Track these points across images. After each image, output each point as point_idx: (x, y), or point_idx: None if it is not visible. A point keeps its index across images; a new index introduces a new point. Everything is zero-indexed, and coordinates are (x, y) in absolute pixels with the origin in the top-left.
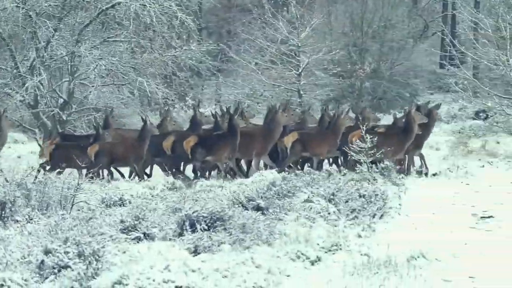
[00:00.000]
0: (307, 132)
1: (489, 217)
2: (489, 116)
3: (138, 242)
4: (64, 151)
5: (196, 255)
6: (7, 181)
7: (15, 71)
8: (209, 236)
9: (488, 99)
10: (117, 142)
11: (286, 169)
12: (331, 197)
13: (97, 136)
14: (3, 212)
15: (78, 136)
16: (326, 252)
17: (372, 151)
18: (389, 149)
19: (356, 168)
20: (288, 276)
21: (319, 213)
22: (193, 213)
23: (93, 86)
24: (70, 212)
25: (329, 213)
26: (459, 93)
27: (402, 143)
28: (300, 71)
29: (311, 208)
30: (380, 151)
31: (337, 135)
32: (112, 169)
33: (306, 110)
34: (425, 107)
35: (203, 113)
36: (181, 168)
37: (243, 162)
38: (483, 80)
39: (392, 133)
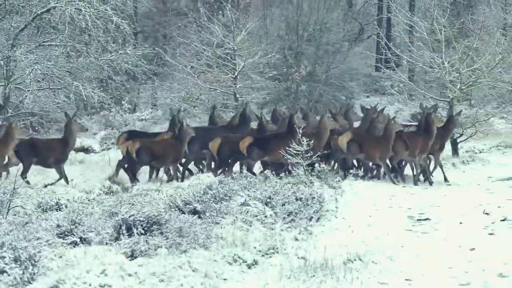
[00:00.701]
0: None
1: (425, 219)
2: None
3: (74, 246)
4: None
5: (132, 259)
6: None
7: None
8: (146, 240)
9: (424, 102)
10: (157, 141)
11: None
12: (268, 200)
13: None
14: None
15: (145, 133)
16: (263, 256)
17: (308, 154)
18: (418, 149)
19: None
20: (225, 279)
21: (256, 216)
22: (129, 217)
23: (28, 91)
24: (6, 217)
25: (265, 216)
26: (395, 95)
27: (427, 143)
28: (236, 74)
29: (247, 211)
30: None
31: (389, 141)
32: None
33: (350, 108)
34: (435, 109)
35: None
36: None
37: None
38: (418, 83)
39: (418, 134)
